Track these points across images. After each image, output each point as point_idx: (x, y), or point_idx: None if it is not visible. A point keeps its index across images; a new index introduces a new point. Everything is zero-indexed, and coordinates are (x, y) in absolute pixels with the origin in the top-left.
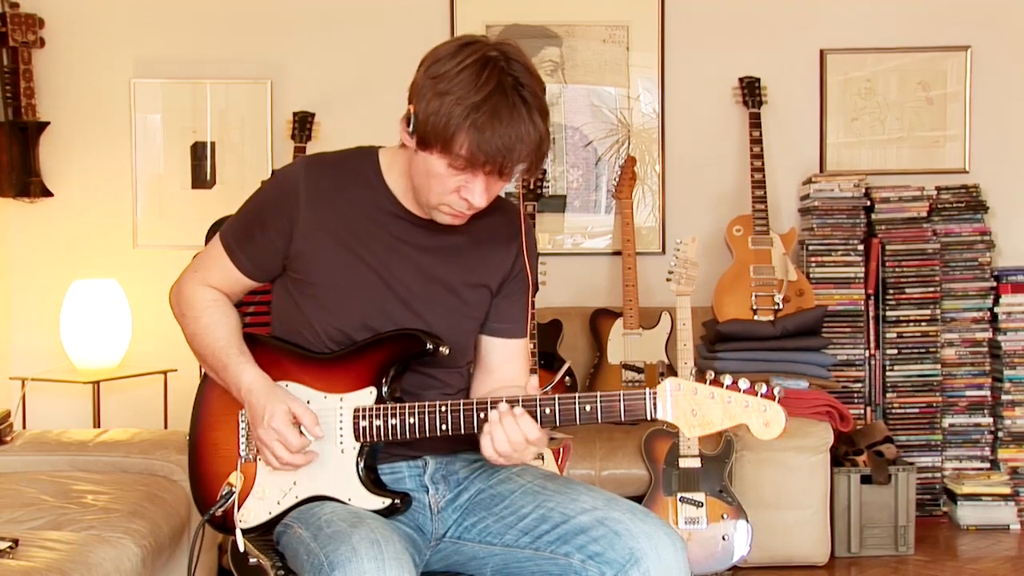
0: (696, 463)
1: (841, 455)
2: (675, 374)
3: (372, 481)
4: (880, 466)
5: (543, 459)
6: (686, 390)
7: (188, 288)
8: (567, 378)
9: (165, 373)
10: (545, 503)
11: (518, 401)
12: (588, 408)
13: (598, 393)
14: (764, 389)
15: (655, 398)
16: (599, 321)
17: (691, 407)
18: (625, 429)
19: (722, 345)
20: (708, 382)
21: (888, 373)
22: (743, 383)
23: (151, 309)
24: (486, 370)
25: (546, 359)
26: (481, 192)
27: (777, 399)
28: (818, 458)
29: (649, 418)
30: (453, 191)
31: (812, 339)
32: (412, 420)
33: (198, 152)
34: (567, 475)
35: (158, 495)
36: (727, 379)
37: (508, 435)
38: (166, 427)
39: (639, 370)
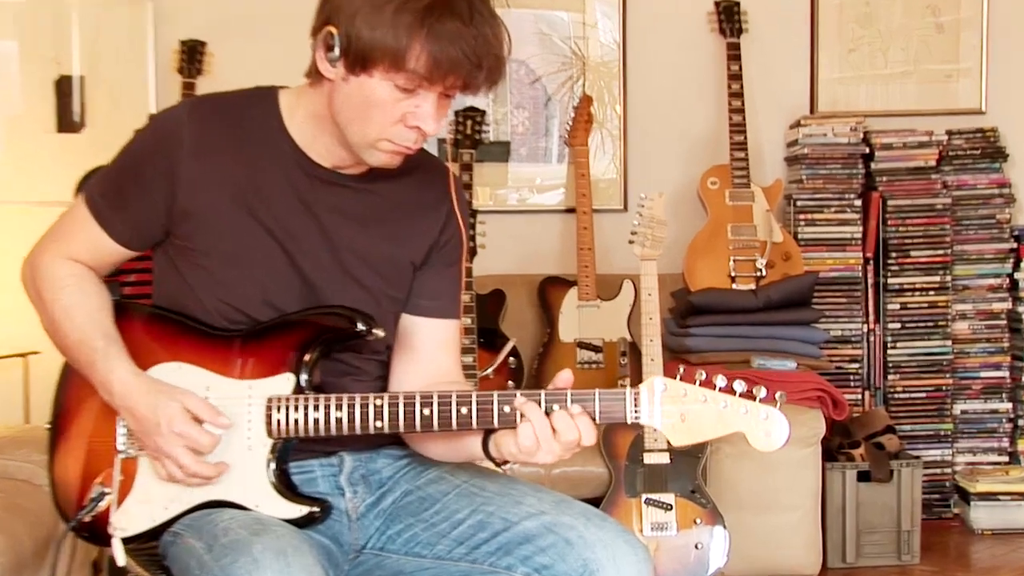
0: (664, 459)
1: (835, 448)
2: (639, 353)
3: (286, 486)
4: (880, 461)
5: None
6: (674, 392)
7: (44, 262)
8: (512, 359)
9: (26, 356)
10: (484, 507)
11: (546, 398)
12: (556, 408)
13: (568, 391)
14: (763, 393)
15: (636, 399)
16: (549, 291)
17: (679, 412)
18: None
19: (695, 319)
20: (698, 382)
21: (890, 351)
22: (739, 385)
23: (9, 278)
24: (412, 357)
25: (486, 336)
26: (433, 115)
27: (779, 404)
28: (807, 451)
29: (629, 423)
30: (398, 120)
31: (800, 311)
32: (340, 414)
33: (63, 88)
34: (510, 473)
35: (18, 503)
36: (720, 380)
37: (562, 435)
38: (27, 421)
39: (596, 349)
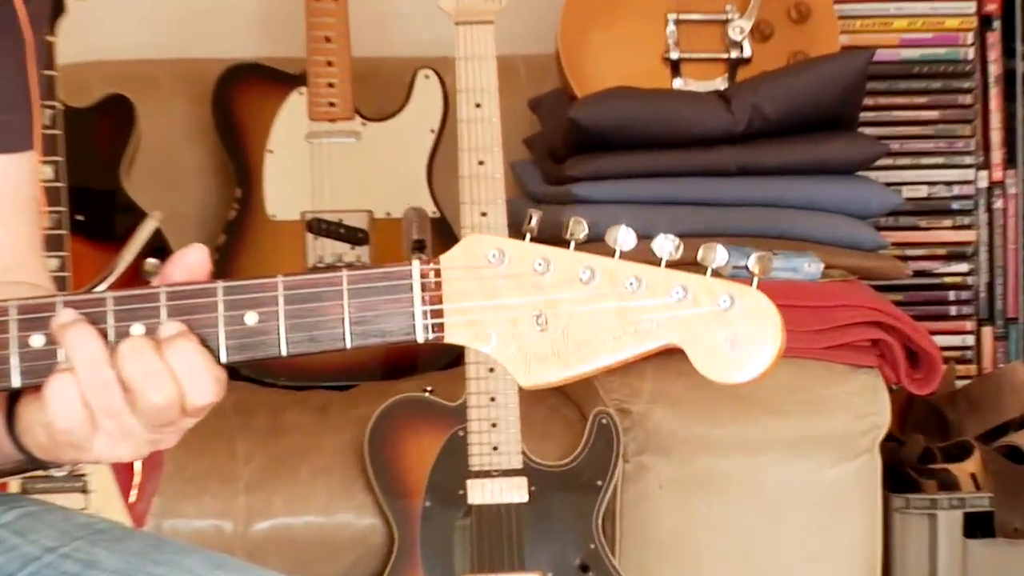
0: (516, 492)
1: (911, 461)
2: (454, 240)
3: None
4: (1015, 489)
5: (84, 486)
6: (519, 263)
7: None
8: (152, 262)
9: None
10: None
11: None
12: (254, 319)
13: (279, 277)
14: (720, 257)
15: (435, 285)
16: (239, 99)
17: (534, 309)
18: (320, 404)
19: (586, 163)
20: (573, 244)
21: None
22: (665, 242)
23: None
24: None
25: (96, 208)
26: None
27: (756, 282)
28: (850, 469)
29: (421, 340)
30: None
31: (832, 142)
32: None
33: None
34: (156, 528)
35: None
36: (624, 235)
37: (142, 394)
38: None
39: (354, 236)
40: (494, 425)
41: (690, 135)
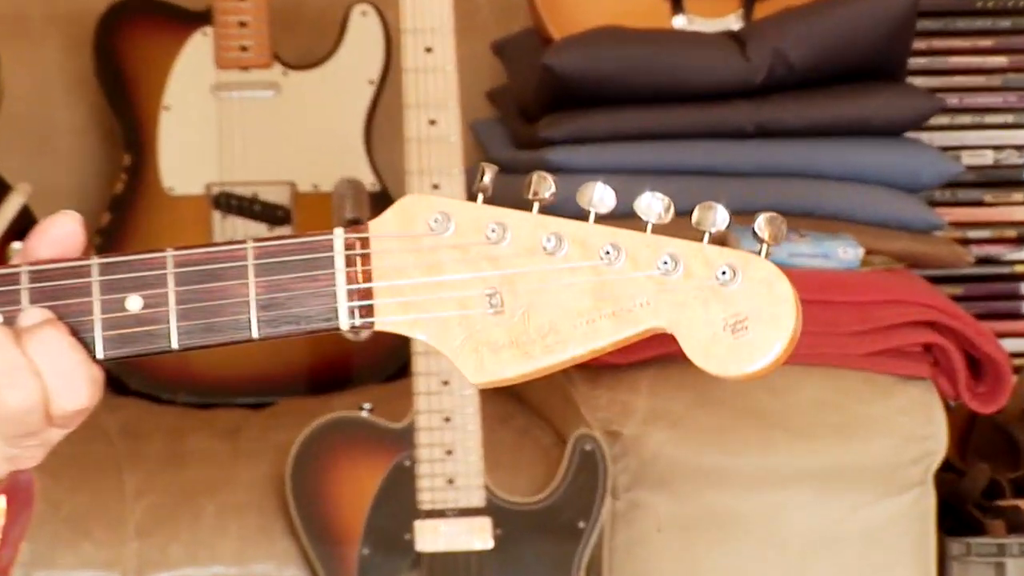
0: (478, 535)
1: (974, 495)
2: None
3: None
4: None
5: None
6: (465, 226)
7: None
8: (18, 247)
9: None
10: None
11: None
12: (137, 304)
13: (168, 251)
14: (719, 218)
15: (364, 259)
16: (129, 43)
17: (486, 286)
18: (230, 426)
19: (565, 122)
20: (537, 206)
21: None
22: (651, 202)
23: None
24: None
25: None
26: None
27: (764, 250)
28: (895, 507)
29: (345, 327)
30: None
31: (872, 95)
32: None
33: None
34: None
35: None
36: (599, 195)
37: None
38: None
39: (272, 214)
40: (449, 452)
41: (695, 87)
